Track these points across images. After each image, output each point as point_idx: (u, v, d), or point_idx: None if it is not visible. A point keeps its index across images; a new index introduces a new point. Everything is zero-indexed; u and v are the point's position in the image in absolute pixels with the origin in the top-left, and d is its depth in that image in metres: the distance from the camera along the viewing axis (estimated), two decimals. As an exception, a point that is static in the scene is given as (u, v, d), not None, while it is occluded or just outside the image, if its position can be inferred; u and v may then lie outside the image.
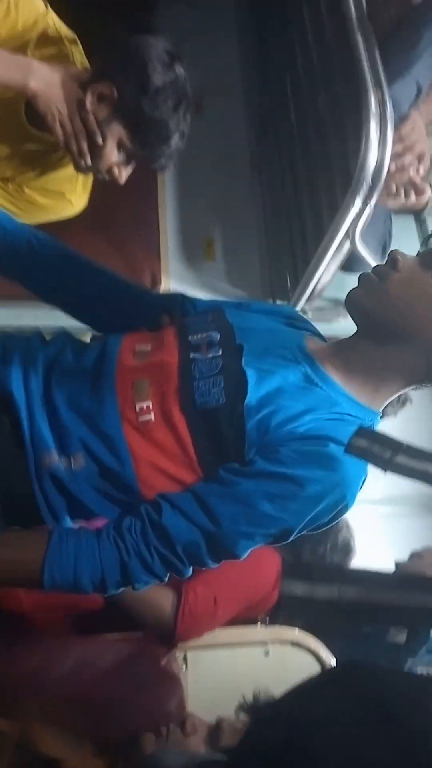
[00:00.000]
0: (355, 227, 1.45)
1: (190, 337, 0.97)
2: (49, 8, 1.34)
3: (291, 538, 0.92)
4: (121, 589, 0.89)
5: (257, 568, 1.40)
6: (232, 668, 1.35)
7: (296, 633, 1.39)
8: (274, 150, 1.94)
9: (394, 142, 1.37)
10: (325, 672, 0.69)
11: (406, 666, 1.61)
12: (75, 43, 1.39)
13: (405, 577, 1.62)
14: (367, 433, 0.85)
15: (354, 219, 1.44)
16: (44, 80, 1.24)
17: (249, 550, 0.91)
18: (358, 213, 1.42)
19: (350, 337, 0.95)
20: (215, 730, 0.89)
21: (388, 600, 1.44)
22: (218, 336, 0.96)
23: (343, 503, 0.88)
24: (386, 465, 0.83)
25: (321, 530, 1.45)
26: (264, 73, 2.05)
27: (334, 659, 1.40)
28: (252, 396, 0.89)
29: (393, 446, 0.82)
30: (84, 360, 1.00)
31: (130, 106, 1.25)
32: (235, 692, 1.33)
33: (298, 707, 0.51)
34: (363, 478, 0.89)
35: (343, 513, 0.91)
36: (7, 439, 0.94)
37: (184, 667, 1.32)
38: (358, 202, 1.40)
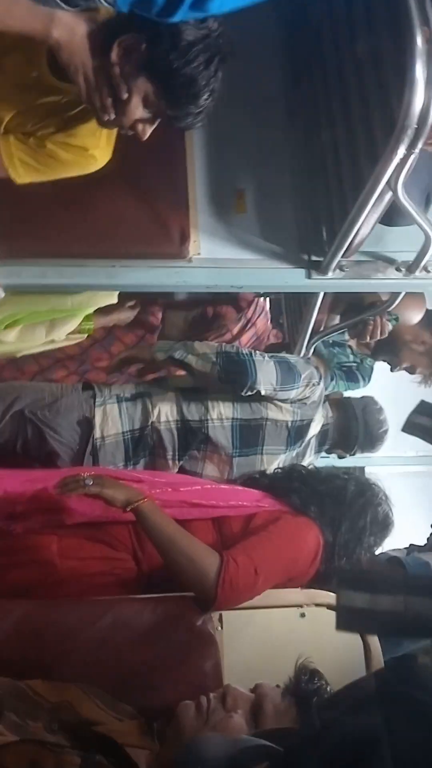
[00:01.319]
0: (398, 176, 1.36)
1: None
2: None
3: None
4: None
5: (297, 542, 1.40)
6: (268, 630, 1.35)
7: (332, 596, 1.38)
8: (310, 95, 1.83)
9: (442, 84, 1.28)
10: (376, 678, 0.66)
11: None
12: None
13: None
14: (428, 409, 0.81)
15: (397, 167, 1.35)
16: (68, 30, 1.18)
17: None
18: (401, 161, 1.33)
19: None
20: (256, 706, 0.88)
21: None
22: None
23: None
24: None
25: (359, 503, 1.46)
26: (300, 16, 1.92)
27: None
28: None
29: None
30: None
31: (159, 60, 1.18)
32: (270, 654, 1.34)
33: (352, 720, 0.49)
34: None
35: None
36: None
37: (219, 627, 1.32)
38: (401, 149, 1.31)
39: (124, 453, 1.66)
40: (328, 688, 0.95)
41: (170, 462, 1.68)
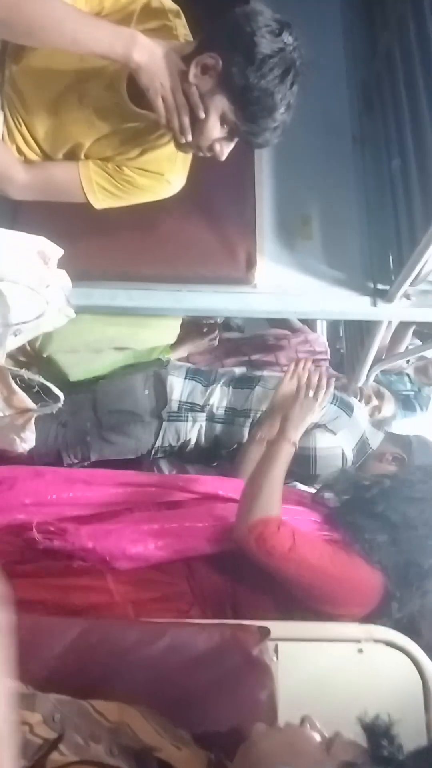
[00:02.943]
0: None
1: None
2: None
3: None
4: None
5: (348, 575, 1.37)
6: (324, 663, 1.33)
7: (391, 632, 1.34)
8: (380, 122, 1.84)
9: None
10: None
11: None
12: (179, 16, 1.35)
13: None
14: None
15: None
16: (147, 53, 1.20)
17: None
18: None
19: None
20: (330, 741, 0.87)
21: None
22: None
23: None
24: None
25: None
26: (370, 42, 1.94)
27: (430, 662, 1.35)
28: None
29: None
30: None
31: (236, 76, 1.20)
32: (325, 688, 1.31)
33: None
34: None
35: None
36: None
37: (275, 657, 1.30)
38: None
39: None
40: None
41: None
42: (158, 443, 1.81)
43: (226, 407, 1.83)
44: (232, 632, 1.29)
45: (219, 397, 1.84)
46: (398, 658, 1.34)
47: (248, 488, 1.40)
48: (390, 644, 1.34)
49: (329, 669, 1.33)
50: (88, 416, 1.78)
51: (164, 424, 1.80)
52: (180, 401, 1.82)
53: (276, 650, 1.31)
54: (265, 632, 1.29)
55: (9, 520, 1.41)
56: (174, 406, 1.81)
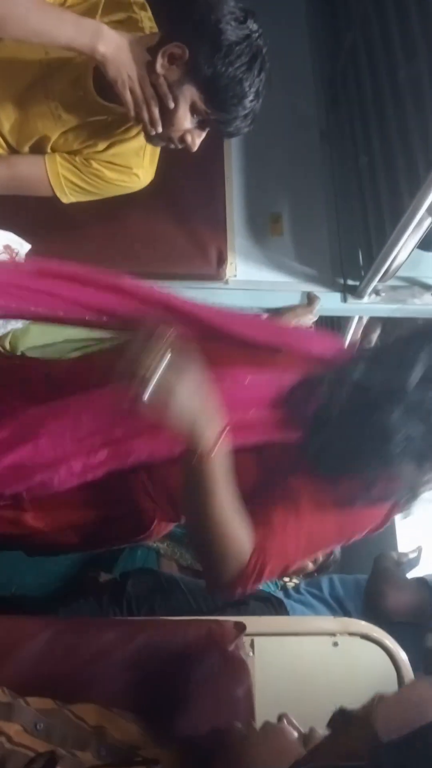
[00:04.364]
0: (439, 203, 1.37)
1: None
2: None
3: None
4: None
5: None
6: (299, 657, 1.33)
7: (366, 625, 1.35)
8: (346, 120, 1.85)
9: None
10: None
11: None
12: (144, 8, 1.33)
13: None
14: None
15: (438, 194, 1.35)
16: (113, 44, 1.19)
17: None
18: (443, 187, 1.34)
19: None
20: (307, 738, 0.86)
21: None
22: None
23: None
24: None
25: None
26: (335, 40, 1.95)
27: (404, 653, 1.36)
28: None
29: None
30: None
31: (203, 65, 1.18)
32: (302, 682, 1.32)
33: None
34: None
35: None
36: None
37: (251, 653, 1.30)
38: (443, 176, 1.31)
39: None
40: None
41: None
42: None
43: None
44: (208, 629, 1.28)
45: None
46: (373, 650, 1.35)
47: (200, 535, 0.95)
48: (365, 637, 1.34)
49: (305, 663, 1.33)
50: None
51: None
52: None
53: (252, 645, 1.30)
54: (240, 627, 1.29)
55: None
56: None
